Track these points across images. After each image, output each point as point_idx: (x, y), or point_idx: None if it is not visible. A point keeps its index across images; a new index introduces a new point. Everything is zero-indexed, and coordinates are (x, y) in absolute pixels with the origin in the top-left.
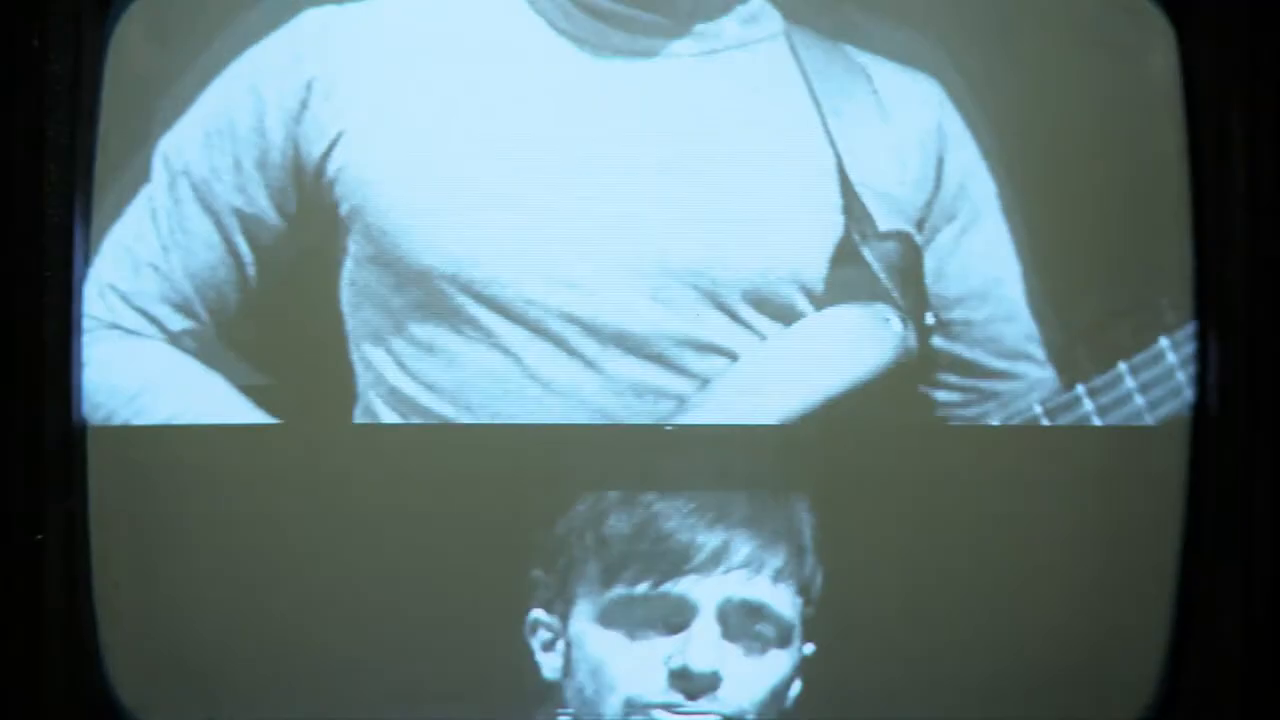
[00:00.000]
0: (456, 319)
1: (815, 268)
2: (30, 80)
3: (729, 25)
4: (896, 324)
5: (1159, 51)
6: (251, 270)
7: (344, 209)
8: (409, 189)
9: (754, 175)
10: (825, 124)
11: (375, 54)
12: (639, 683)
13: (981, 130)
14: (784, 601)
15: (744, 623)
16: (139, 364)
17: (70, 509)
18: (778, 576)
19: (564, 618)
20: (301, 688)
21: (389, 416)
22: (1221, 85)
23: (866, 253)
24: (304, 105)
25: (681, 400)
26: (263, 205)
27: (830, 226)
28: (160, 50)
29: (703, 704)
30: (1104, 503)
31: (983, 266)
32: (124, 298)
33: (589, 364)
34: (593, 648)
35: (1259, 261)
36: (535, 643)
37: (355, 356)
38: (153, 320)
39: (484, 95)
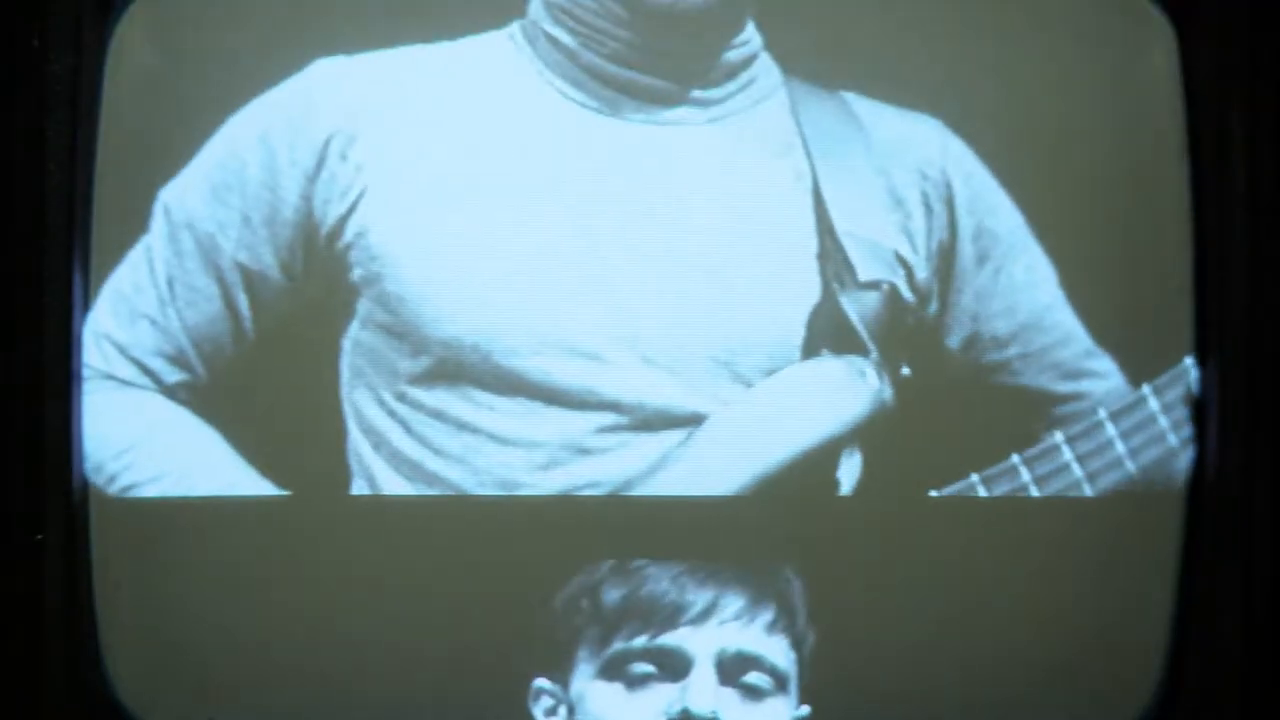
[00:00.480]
0: (471, 386)
1: (803, 324)
2: (30, 80)
3: (734, 91)
4: (872, 377)
5: (1159, 51)
6: (249, 326)
7: (357, 273)
8: (433, 257)
9: (758, 240)
10: (816, 176)
11: (391, 111)
12: None
13: (997, 161)
14: (778, 653)
15: (740, 671)
16: (132, 416)
17: (70, 509)
18: (771, 629)
19: (565, 684)
20: (301, 688)
21: (390, 480)
22: (1221, 85)
23: (845, 303)
24: (321, 163)
25: (663, 459)
26: (268, 262)
27: (814, 279)
28: (161, 50)
29: None
30: (1103, 505)
31: (1028, 298)
32: (120, 349)
33: (601, 431)
34: (594, 704)
35: (1259, 261)
36: (538, 710)
37: (350, 419)
38: (147, 372)
39: (503, 159)
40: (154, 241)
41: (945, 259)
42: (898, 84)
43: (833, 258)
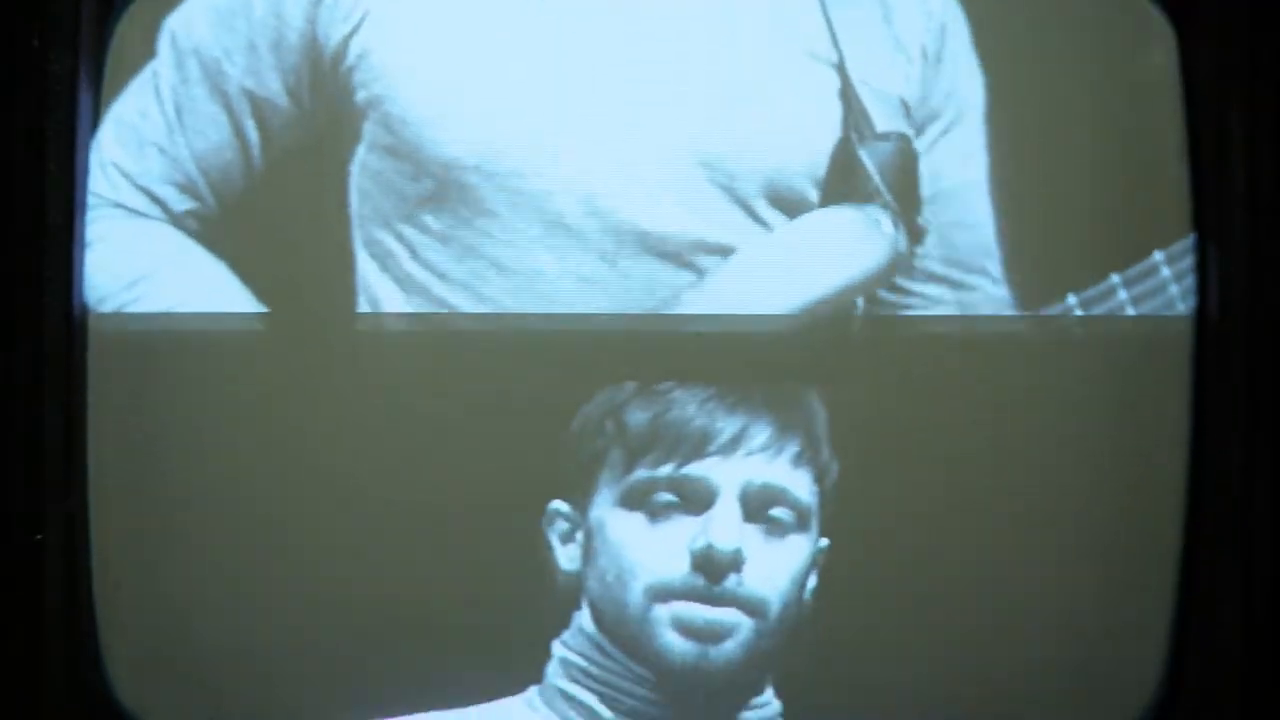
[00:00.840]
0: (474, 210)
1: (822, 164)
2: (30, 80)
3: None
4: (887, 225)
5: (1159, 51)
6: (258, 153)
7: (361, 95)
8: (434, 78)
9: (766, 72)
10: (830, 22)
11: None
12: (661, 567)
13: (983, 32)
14: (802, 486)
15: (764, 506)
16: (141, 246)
17: (70, 509)
18: (796, 461)
19: (583, 508)
20: (303, 689)
21: (397, 302)
22: (1221, 85)
23: (863, 154)
24: None
25: (686, 290)
26: (275, 89)
27: (833, 126)
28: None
29: (727, 587)
30: (1103, 505)
31: (956, 169)
32: (128, 176)
33: (604, 257)
34: (614, 532)
35: (1259, 261)
36: (553, 534)
37: (361, 243)
38: (156, 200)
39: None
40: (160, 68)
41: (918, 109)
42: None
43: (851, 103)
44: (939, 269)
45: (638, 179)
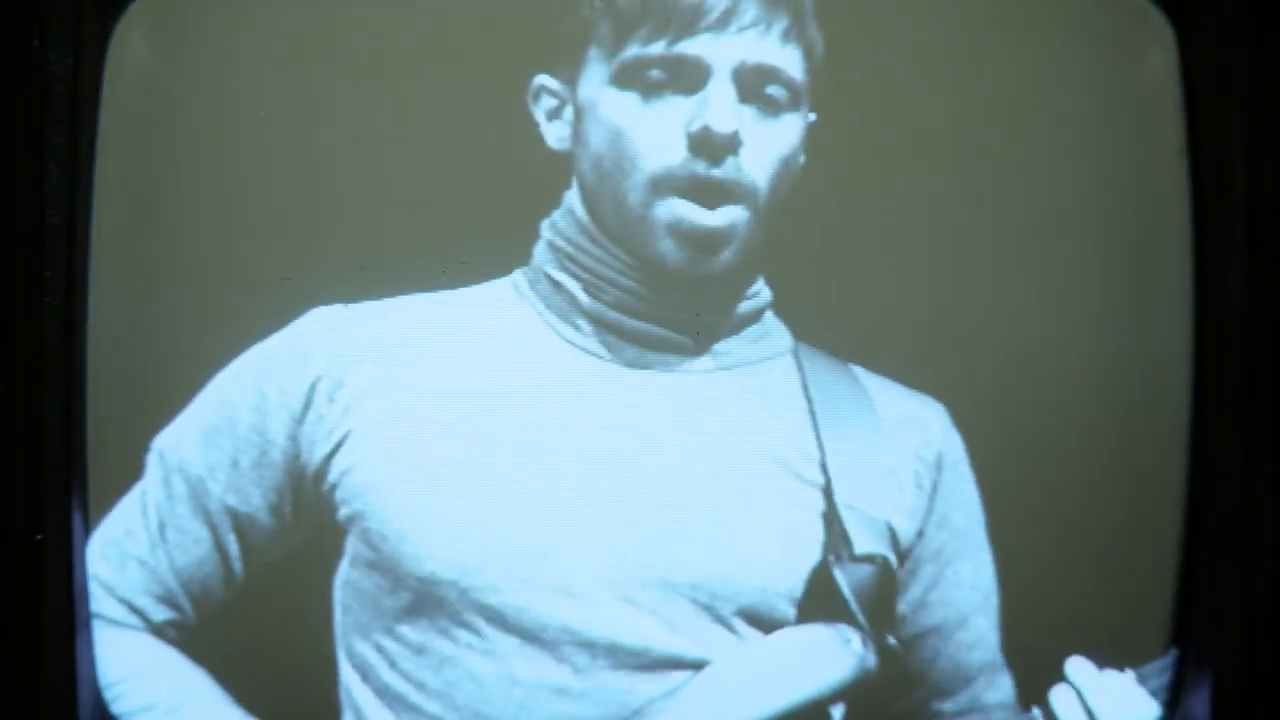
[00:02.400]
0: (450, 622)
1: (800, 586)
2: (30, 80)
3: (739, 344)
4: (857, 644)
5: (1159, 51)
6: (239, 567)
7: (343, 512)
8: (414, 496)
9: (750, 493)
10: (821, 445)
11: (383, 355)
12: (659, 152)
13: (980, 457)
14: (793, 63)
15: (758, 84)
16: (120, 654)
17: (70, 509)
18: (785, 37)
19: (571, 83)
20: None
21: (378, 714)
22: (1221, 85)
23: (838, 574)
24: (308, 406)
25: (659, 700)
26: (257, 504)
27: (814, 548)
28: (161, 51)
29: (727, 172)
30: (1103, 503)
31: (965, 598)
32: (107, 588)
33: (578, 671)
34: (606, 112)
35: (1259, 262)
36: (539, 111)
37: (342, 654)
38: (135, 610)
39: (491, 401)
40: (149, 486)
41: (911, 541)
42: (905, 364)
43: (833, 526)
44: (949, 686)
45: (617, 598)
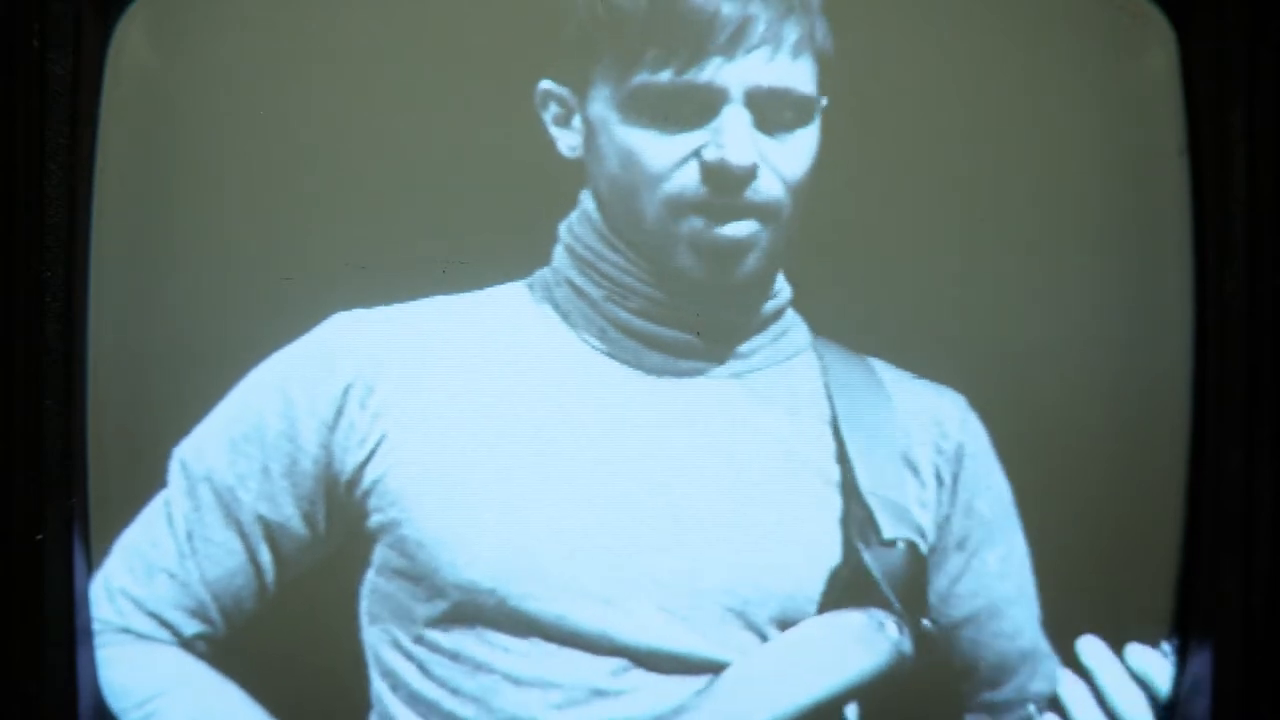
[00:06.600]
0: (486, 628)
1: (823, 580)
2: (30, 80)
3: (762, 342)
4: (892, 629)
5: (1159, 52)
6: (272, 577)
7: (375, 520)
8: (450, 502)
9: (780, 498)
10: (843, 440)
11: (411, 359)
12: (676, 178)
13: (1004, 443)
14: (806, 77)
15: (773, 108)
16: (151, 669)
17: (70, 509)
18: (797, 50)
19: (580, 93)
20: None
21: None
22: (1221, 85)
23: (869, 559)
24: (340, 412)
25: (679, 707)
26: (289, 513)
27: (842, 544)
28: (161, 51)
29: (745, 197)
30: (1102, 503)
31: (995, 587)
32: (136, 603)
33: (614, 672)
34: (618, 135)
35: (1259, 262)
36: (548, 116)
37: (371, 662)
38: (166, 625)
39: (522, 407)
40: (173, 496)
41: (935, 532)
42: (925, 357)
43: (856, 517)
44: (990, 674)
45: (653, 604)
